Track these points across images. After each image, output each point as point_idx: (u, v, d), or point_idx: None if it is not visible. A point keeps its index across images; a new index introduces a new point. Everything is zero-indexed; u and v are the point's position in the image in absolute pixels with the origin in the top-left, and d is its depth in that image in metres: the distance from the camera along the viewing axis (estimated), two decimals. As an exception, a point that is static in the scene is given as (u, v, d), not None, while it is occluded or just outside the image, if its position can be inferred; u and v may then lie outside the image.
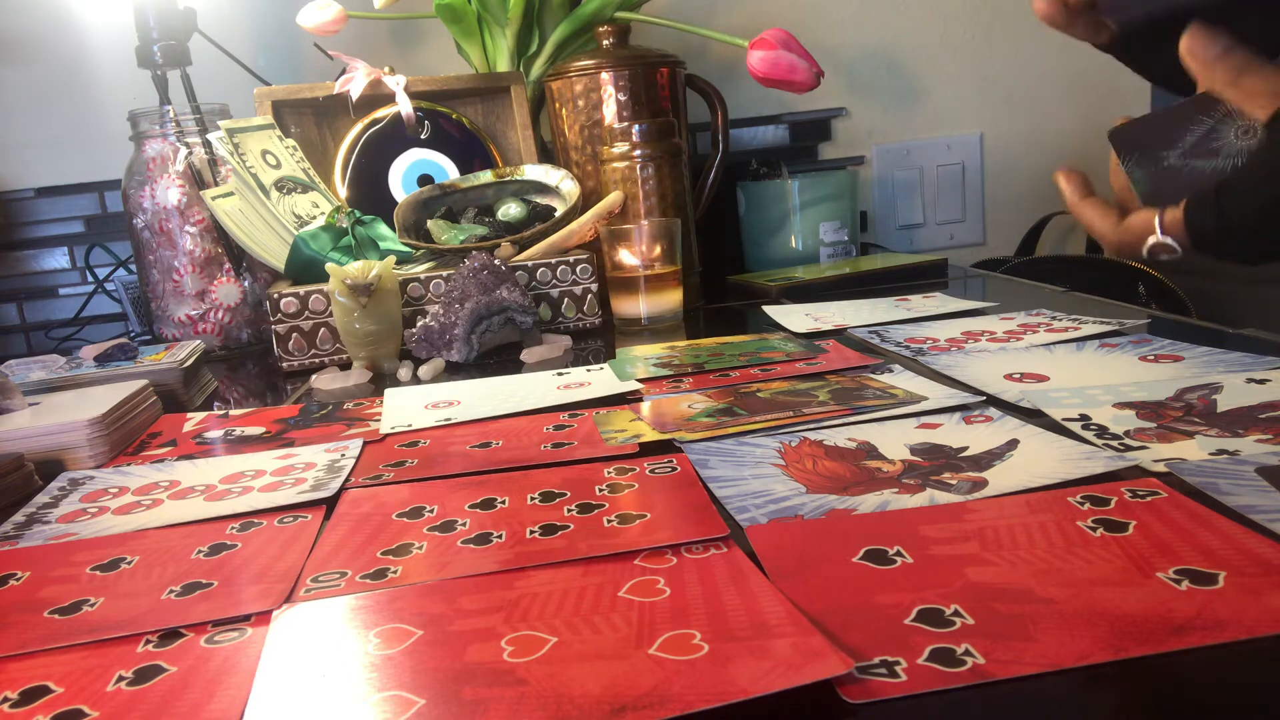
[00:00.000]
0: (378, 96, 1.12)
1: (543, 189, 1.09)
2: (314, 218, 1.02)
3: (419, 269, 0.96)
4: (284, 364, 0.90)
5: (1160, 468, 0.45)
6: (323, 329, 0.90)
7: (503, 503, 0.49)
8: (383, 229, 1.01)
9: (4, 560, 0.47)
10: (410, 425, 0.65)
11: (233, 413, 0.76)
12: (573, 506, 0.47)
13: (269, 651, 0.35)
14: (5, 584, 0.44)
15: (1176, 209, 0.51)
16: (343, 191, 1.13)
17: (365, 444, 0.62)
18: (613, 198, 0.99)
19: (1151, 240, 0.53)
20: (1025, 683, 0.29)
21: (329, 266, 0.83)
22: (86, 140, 1.31)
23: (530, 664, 0.32)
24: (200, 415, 0.75)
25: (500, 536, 0.44)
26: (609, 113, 1.07)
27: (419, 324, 0.87)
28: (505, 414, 0.66)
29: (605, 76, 1.06)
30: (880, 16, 1.40)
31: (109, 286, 1.30)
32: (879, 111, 1.43)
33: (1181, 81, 0.52)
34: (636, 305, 0.94)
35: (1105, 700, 0.29)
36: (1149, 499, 0.41)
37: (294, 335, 0.90)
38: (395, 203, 1.07)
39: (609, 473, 0.52)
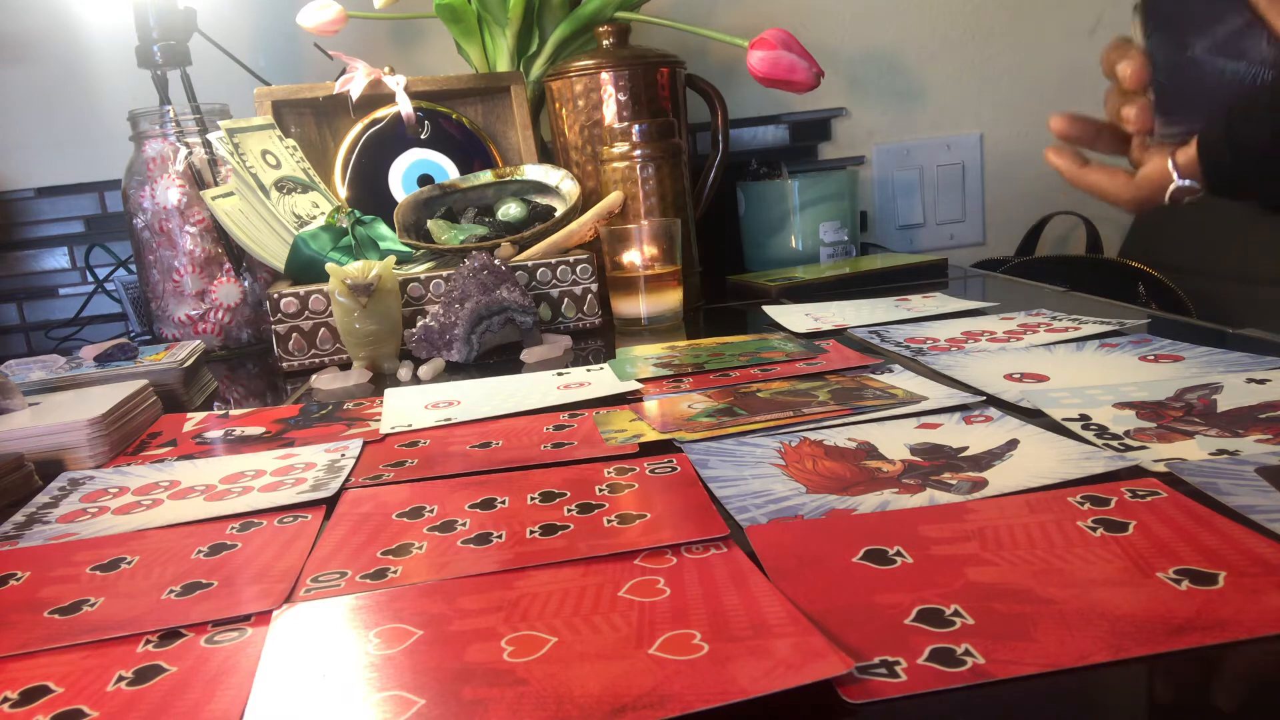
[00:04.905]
0: (378, 96, 1.12)
1: (543, 189, 1.09)
2: (314, 218, 1.02)
3: (419, 269, 0.96)
4: (284, 364, 0.90)
5: (1160, 468, 0.45)
6: (323, 329, 0.90)
7: (503, 503, 0.49)
8: (383, 229, 1.01)
9: (4, 560, 0.47)
10: (410, 425, 0.65)
11: (233, 413, 0.76)
12: (573, 506, 0.47)
13: (269, 651, 0.35)
14: (5, 584, 0.44)
15: (1188, 148, 0.50)
16: (343, 191, 1.13)
17: (365, 444, 0.62)
18: (613, 198, 0.99)
19: (1173, 186, 0.52)
20: (1025, 683, 0.29)
21: (329, 266, 0.83)
22: (86, 140, 1.31)
23: (530, 664, 0.32)
24: (200, 415, 0.75)
25: (500, 536, 0.44)
26: (609, 113, 1.07)
27: (419, 324, 0.87)
28: (505, 414, 0.66)
29: (605, 76, 1.06)
30: (880, 16, 1.40)
31: (109, 286, 1.30)
32: (879, 111, 1.43)
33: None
34: (636, 305, 0.94)
35: (1105, 700, 0.29)
36: (1149, 499, 0.41)
37: (294, 335, 0.90)
38: (395, 203, 1.07)
39: (609, 473, 0.52)
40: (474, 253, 0.91)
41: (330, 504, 0.51)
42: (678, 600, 0.36)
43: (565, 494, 0.49)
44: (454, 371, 0.84)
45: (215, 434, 0.69)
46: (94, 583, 0.44)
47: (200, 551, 0.46)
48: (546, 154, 1.20)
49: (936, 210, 1.46)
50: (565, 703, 0.30)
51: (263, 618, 0.38)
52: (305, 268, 0.94)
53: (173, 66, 1.05)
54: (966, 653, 0.31)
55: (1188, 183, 0.51)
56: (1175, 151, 0.51)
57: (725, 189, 1.24)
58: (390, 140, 1.13)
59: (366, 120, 1.13)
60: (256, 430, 0.69)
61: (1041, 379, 0.62)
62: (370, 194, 1.13)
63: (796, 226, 1.24)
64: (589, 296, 0.96)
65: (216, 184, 1.05)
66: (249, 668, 0.34)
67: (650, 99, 1.07)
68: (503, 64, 1.18)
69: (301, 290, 0.89)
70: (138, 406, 0.71)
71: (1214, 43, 0.50)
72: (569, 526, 0.45)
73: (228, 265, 1.07)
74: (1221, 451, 0.46)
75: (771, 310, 0.96)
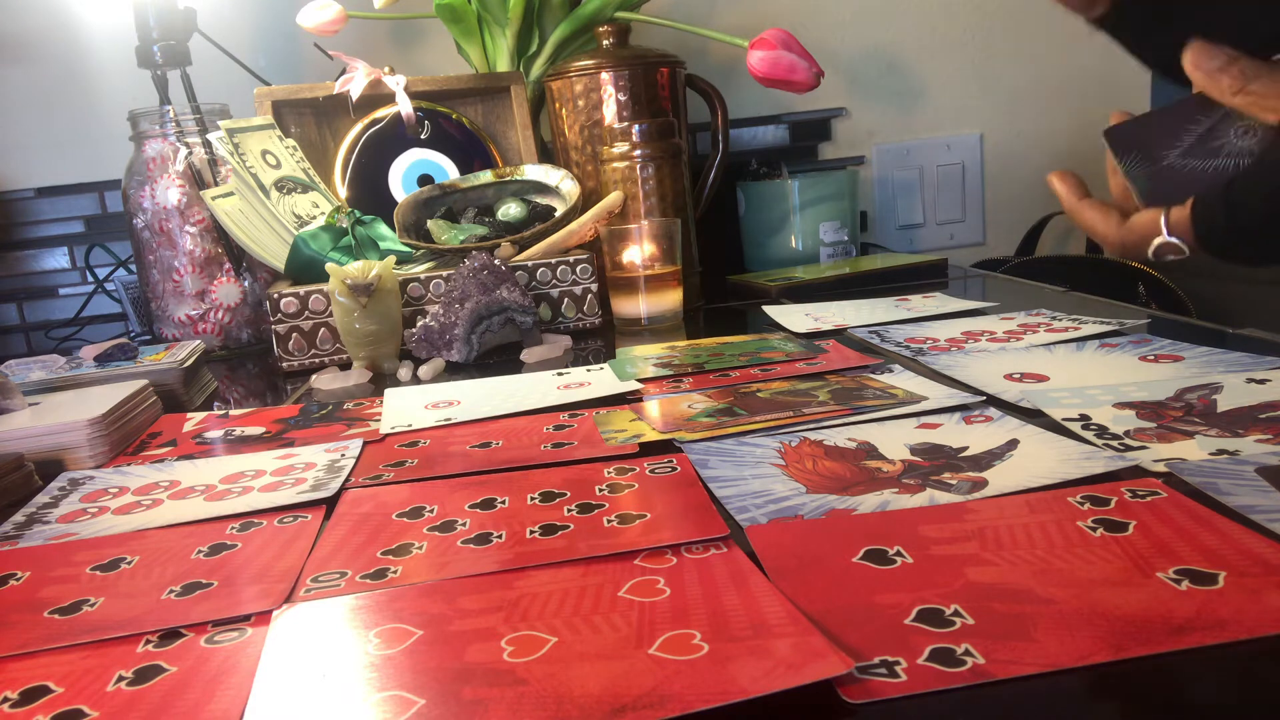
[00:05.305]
0: (378, 96, 1.12)
1: (543, 189, 1.09)
2: (314, 218, 1.02)
3: (419, 269, 0.96)
4: (284, 364, 0.90)
5: (1160, 468, 0.45)
6: (323, 329, 0.90)
7: (503, 503, 0.49)
8: (383, 229, 1.01)
9: (4, 560, 0.47)
10: (410, 425, 0.65)
11: (233, 413, 0.76)
12: (573, 506, 0.47)
13: (269, 651, 0.35)
14: (5, 584, 0.44)
15: (1182, 208, 0.51)
16: (343, 191, 1.13)
17: (365, 444, 0.62)
18: (613, 198, 0.99)
19: (1157, 241, 0.52)
20: (1025, 683, 0.29)
21: (329, 266, 0.83)
22: (86, 140, 1.31)
23: (530, 664, 0.32)
24: (200, 415, 0.75)
25: (500, 536, 0.44)
26: (609, 113, 1.07)
27: (419, 324, 0.87)
28: (505, 414, 0.66)
29: (605, 76, 1.06)
30: (880, 16, 1.40)
31: (109, 286, 1.30)
32: (879, 111, 1.43)
33: (1176, 66, 0.51)
34: (636, 305, 0.94)
35: (1105, 700, 0.29)
36: (1149, 499, 0.41)
37: (294, 335, 0.90)
38: (395, 203, 1.07)
39: (609, 473, 0.52)
40: (474, 253, 0.91)
41: (330, 504, 0.51)
42: (678, 600, 0.36)
43: (565, 494, 0.49)
44: (454, 371, 0.84)
45: (215, 434, 0.69)
46: (94, 583, 0.44)
47: (200, 551, 0.46)
48: (546, 154, 1.20)
49: (936, 210, 1.46)
50: (565, 703, 0.30)
51: (263, 618, 0.38)
52: (305, 268, 0.94)
53: (173, 66, 1.05)
54: (966, 653, 0.31)
55: (1174, 240, 0.51)
56: (1170, 208, 0.52)
57: (725, 189, 1.24)
58: (390, 140, 1.13)
59: (366, 120, 1.13)
60: (256, 430, 0.69)
61: (1041, 379, 0.62)
62: (370, 194, 1.13)
63: (796, 226, 1.24)
64: (589, 296, 0.96)
65: (216, 184, 1.05)
66: (249, 668, 0.34)
67: (650, 99, 1.07)
68: (503, 64, 1.18)
69: (301, 290, 0.89)
70: (138, 406, 0.71)
71: (1185, 149, 0.51)
72: (569, 526, 0.45)
73: (228, 265, 1.07)
74: (1221, 451, 0.46)
75: (771, 310, 0.96)
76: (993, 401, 0.59)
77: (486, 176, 1.09)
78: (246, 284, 1.08)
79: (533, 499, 0.49)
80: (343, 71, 1.11)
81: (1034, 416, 0.55)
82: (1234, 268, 1.16)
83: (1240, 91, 0.48)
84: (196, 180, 1.05)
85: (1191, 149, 0.52)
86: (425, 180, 1.14)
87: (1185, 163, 0.52)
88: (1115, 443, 0.49)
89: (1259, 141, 0.50)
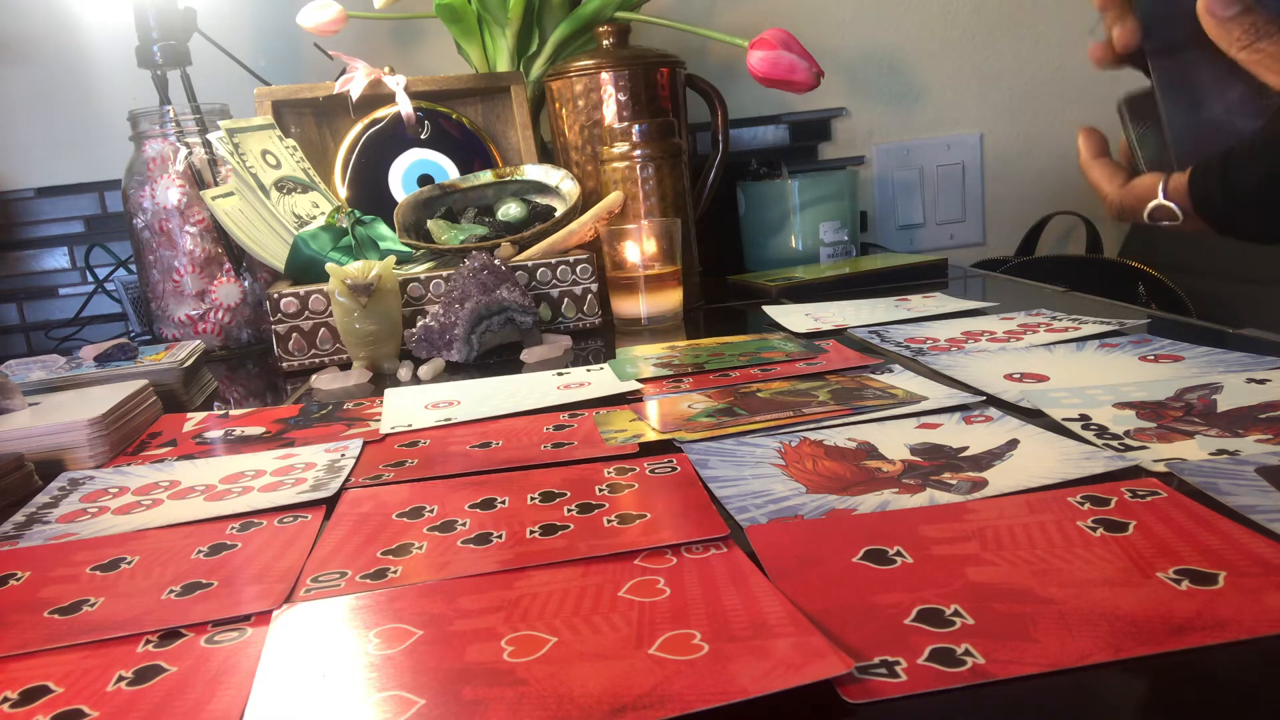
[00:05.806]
0: (378, 96, 1.12)
1: (543, 189, 1.09)
2: (314, 218, 1.02)
3: (419, 269, 0.96)
4: (284, 364, 0.90)
5: (1160, 468, 0.45)
6: (323, 329, 0.90)
7: (503, 503, 0.49)
8: (383, 229, 1.01)
9: (4, 560, 0.47)
10: (410, 425, 0.65)
11: (233, 413, 0.76)
12: (573, 506, 0.47)
13: (269, 651, 0.35)
14: (5, 584, 0.44)
15: (1182, 174, 0.51)
16: (343, 191, 1.13)
17: (365, 444, 0.62)
18: (613, 198, 0.99)
19: (1152, 204, 0.52)
20: (1025, 683, 0.29)
21: (329, 266, 0.83)
22: (86, 140, 1.31)
23: (530, 664, 0.32)
24: (200, 415, 0.75)
25: (500, 536, 0.44)
26: (609, 113, 1.07)
27: (419, 324, 0.87)
28: (505, 414, 0.66)
29: (605, 76, 1.06)
30: (880, 16, 1.40)
31: (109, 286, 1.30)
32: (879, 111, 1.43)
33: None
34: (636, 305, 0.94)
35: (1105, 700, 0.29)
36: (1149, 499, 0.41)
37: (294, 335, 0.90)
38: (395, 203, 1.07)
39: (609, 473, 0.52)
40: (474, 253, 0.91)
41: (330, 504, 0.51)
42: (678, 600, 0.36)
43: (565, 494, 0.49)
44: (454, 371, 0.84)
45: (215, 434, 0.69)
46: (94, 583, 0.44)
47: (200, 551, 0.46)
48: (546, 154, 1.20)
49: (936, 210, 1.46)
50: (565, 703, 0.30)
51: (263, 618, 0.38)
52: (305, 268, 0.94)
53: (173, 66, 1.05)
54: (966, 653, 0.31)
55: (1170, 204, 0.51)
56: (1171, 174, 0.52)
57: (725, 189, 1.24)
58: (390, 140, 1.13)
59: (366, 120, 1.13)
60: (256, 430, 0.69)
61: (1041, 379, 0.62)
62: (370, 194, 1.13)
63: (796, 226, 1.24)
64: (589, 296, 0.96)
65: (216, 184, 1.05)
66: (249, 668, 0.34)
67: (650, 99, 1.07)
68: (503, 64, 1.18)
69: (301, 290, 0.89)
70: (138, 406, 0.71)
71: (1228, 105, 0.51)
72: (569, 526, 0.45)
73: (228, 265, 1.07)
74: (1221, 451, 0.46)
75: (771, 310, 0.96)
76: (993, 401, 0.59)
77: (486, 176, 1.09)
78: (246, 284, 1.08)
79: (533, 499, 0.49)
80: (343, 71, 1.11)
81: (1034, 416, 0.55)
82: (1233, 268, 1.16)
83: (1248, 47, 0.47)
84: (196, 180, 1.05)
85: (1199, 118, 0.52)
86: (425, 180, 1.14)
87: (1230, 120, 0.51)
88: (1115, 443, 0.49)
89: (1262, 111, 0.50)
